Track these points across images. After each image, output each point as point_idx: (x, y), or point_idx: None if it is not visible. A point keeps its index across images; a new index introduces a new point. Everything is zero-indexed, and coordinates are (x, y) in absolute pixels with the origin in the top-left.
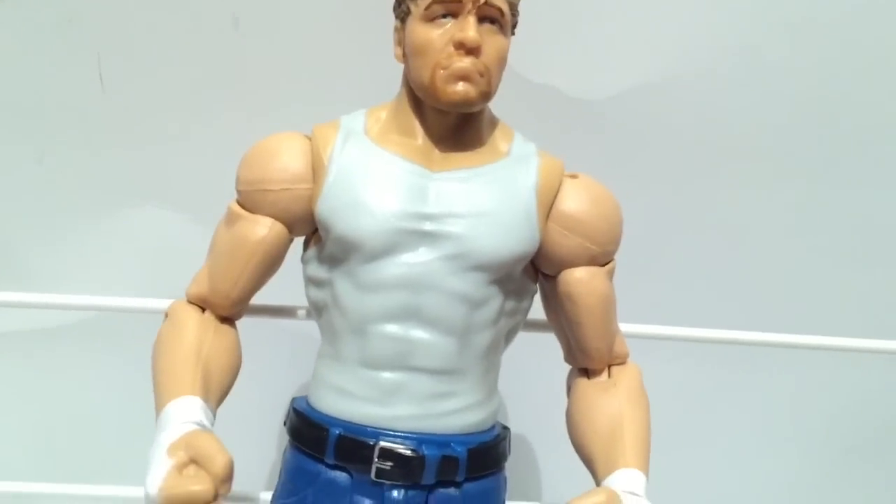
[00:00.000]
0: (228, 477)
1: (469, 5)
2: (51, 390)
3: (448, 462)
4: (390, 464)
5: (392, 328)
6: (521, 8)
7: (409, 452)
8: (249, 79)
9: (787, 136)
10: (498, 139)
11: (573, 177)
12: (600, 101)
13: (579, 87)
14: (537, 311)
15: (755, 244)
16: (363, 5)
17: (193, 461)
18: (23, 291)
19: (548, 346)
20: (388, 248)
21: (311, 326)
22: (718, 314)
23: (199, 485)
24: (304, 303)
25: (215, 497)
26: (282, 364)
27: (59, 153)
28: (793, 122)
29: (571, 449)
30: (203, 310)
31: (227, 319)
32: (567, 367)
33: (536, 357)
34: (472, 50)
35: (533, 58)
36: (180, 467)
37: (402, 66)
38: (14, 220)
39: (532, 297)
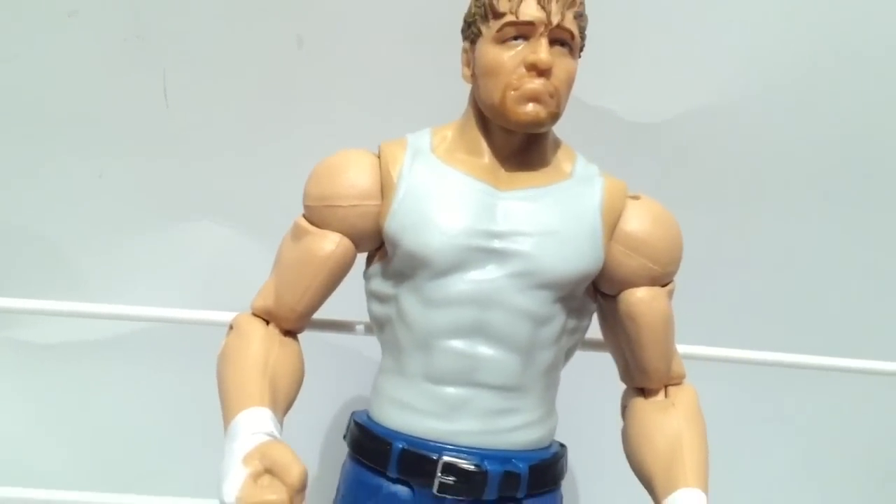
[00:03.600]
0: (303, 487)
1: (541, 28)
2: (101, 400)
3: (510, 478)
4: (453, 478)
5: (458, 344)
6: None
7: (472, 467)
8: (309, 97)
9: (844, 161)
10: (561, 160)
11: (635, 198)
12: (655, 125)
13: (634, 110)
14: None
15: (806, 268)
16: (423, 28)
17: (268, 471)
18: (76, 301)
19: (594, 365)
20: (457, 265)
21: (354, 340)
22: (764, 336)
23: (275, 494)
24: (352, 317)
25: None
26: (326, 379)
27: (119, 167)
28: (850, 147)
29: (619, 468)
30: (267, 322)
31: (290, 333)
32: (618, 386)
33: (584, 376)
34: (543, 72)
35: (588, 80)
36: (255, 477)
37: (465, 86)
38: (72, 231)
39: (591, 315)
